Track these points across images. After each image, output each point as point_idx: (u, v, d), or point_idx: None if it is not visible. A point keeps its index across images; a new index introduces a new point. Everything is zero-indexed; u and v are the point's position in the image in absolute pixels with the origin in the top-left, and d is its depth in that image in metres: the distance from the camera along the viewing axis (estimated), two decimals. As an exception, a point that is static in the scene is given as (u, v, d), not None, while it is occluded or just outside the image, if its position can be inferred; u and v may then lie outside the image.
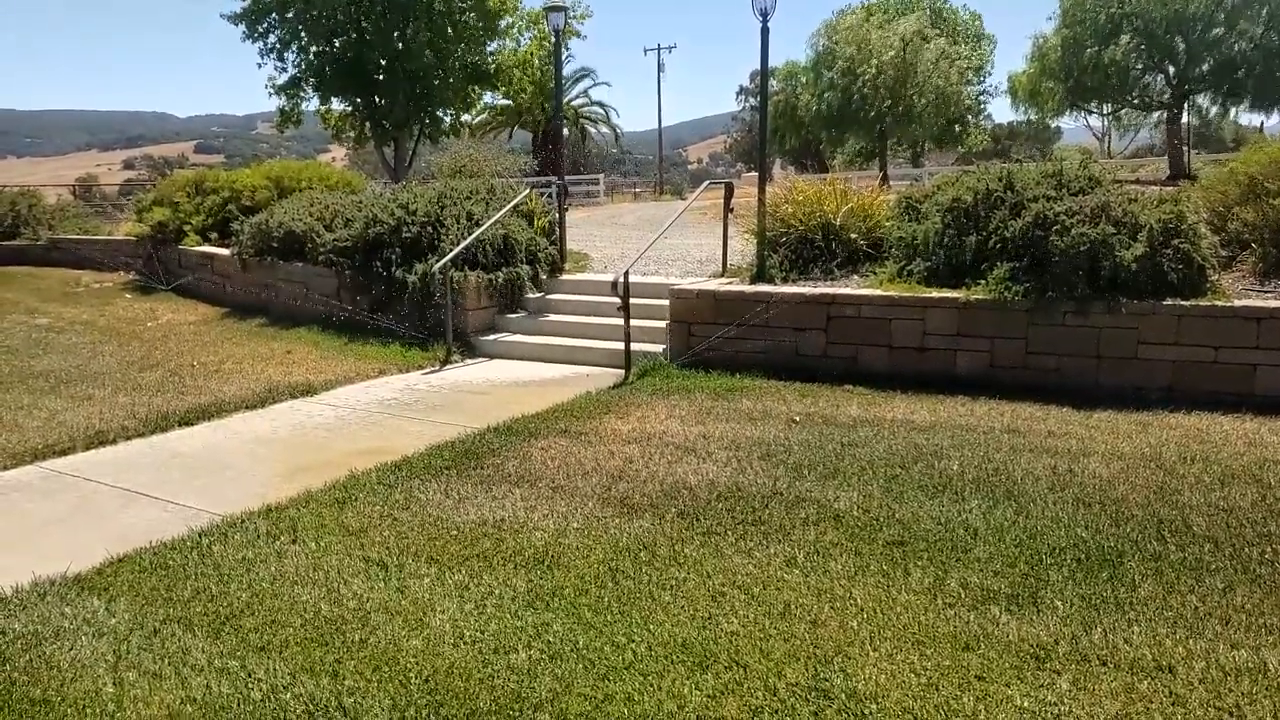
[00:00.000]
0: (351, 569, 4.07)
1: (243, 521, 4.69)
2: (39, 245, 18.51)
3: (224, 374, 8.40)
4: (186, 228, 14.92)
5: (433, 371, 8.59)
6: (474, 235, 9.38)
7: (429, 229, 9.82)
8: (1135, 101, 26.73)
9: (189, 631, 3.52)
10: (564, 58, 32.15)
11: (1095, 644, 3.26)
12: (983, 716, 2.86)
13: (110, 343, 10.17)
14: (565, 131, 43.67)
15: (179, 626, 3.56)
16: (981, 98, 40.39)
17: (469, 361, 9.03)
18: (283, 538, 4.46)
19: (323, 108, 25.21)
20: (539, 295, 10.01)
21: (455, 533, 4.46)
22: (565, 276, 10.39)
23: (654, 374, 7.89)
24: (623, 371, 7.95)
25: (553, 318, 9.59)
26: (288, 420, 6.95)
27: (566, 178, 14.59)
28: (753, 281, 8.48)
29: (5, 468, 5.73)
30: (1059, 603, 3.58)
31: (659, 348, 8.38)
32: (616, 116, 48.14)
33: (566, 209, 11.10)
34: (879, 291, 7.76)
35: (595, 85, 52.37)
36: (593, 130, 48.54)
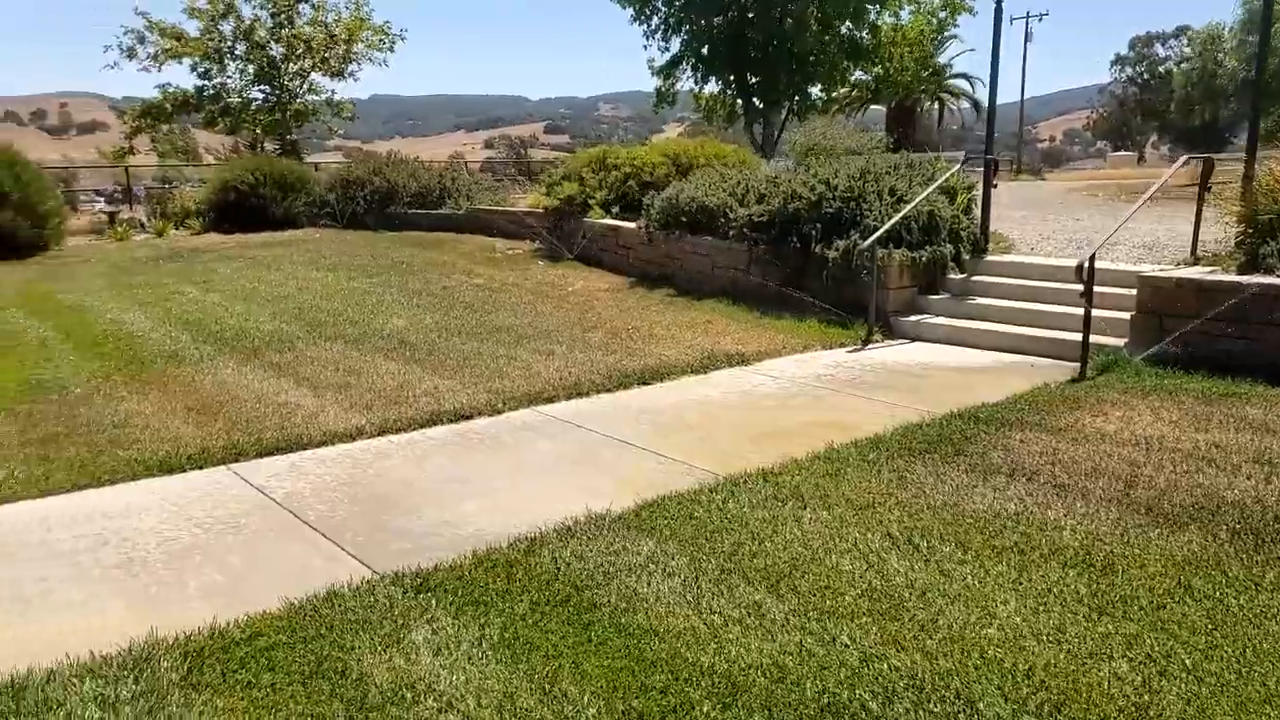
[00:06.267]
0: (878, 544, 4.01)
1: (743, 481, 4.82)
2: (460, 214, 21.07)
3: (657, 338, 8.88)
4: (591, 201, 16.14)
5: (855, 350, 8.46)
6: (901, 213, 9.08)
7: (850, 205, 9.68)
8: None
9: (748, 584, 3.63)
10: (946, 35, 30.55)
11: None
12: None
13: (543, 303, 11.18)
14: (932, 106, 41.87)
15: (737, 577, 3.69)
16: None
17: (889, 342, 8.78)
18: (790, 502, 4.52)
19: (698, 88, 26.17)
20: (961, 277, 9.50)
21: (971, 520, 4.26)
22: (990, 258, 9.76)
23: (1117, 370, 7.12)
24: (1072, 364, 7.27)
25: (979, 301, 9.05)
26: (732, 387, 7.16)
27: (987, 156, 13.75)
28: (1242, 270, 7.33)
29: (512, 409, 6.43)
30: None
31: (1116, 341, 7.55)
32: (976, 89, 44.97)
33: (975, 186, 10.46)
34: None
35: (961, 53, 49.32)
36: (952, 105, 46.06)
